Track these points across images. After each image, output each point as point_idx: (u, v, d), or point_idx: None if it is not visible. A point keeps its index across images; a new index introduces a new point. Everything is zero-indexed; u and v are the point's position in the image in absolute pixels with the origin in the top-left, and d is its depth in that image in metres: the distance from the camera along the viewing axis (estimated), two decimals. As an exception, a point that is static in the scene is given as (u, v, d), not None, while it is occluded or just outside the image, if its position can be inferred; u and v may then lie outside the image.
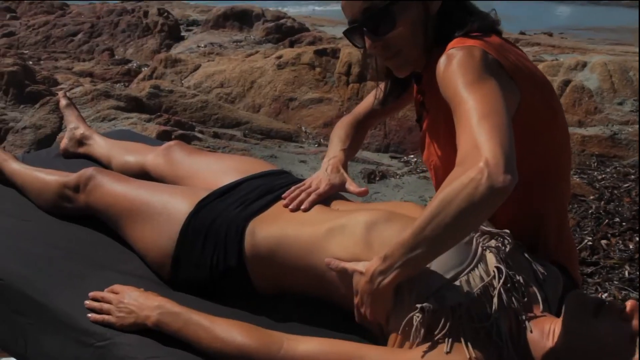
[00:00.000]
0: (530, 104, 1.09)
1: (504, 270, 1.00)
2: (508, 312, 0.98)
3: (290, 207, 1.24)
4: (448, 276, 1.00)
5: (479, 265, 1.02)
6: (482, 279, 1.00)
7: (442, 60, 1.06)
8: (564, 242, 1.24)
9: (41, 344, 1.22)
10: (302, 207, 1.23)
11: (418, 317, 0.96)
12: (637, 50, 4.80)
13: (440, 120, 1.18)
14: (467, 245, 1.04)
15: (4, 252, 1.38)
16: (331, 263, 1.09)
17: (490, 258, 1.03)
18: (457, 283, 0.99)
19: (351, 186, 1.30)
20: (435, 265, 1.01)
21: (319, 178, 1.31)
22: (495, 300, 0.97)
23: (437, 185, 1.26)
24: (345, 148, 1.40)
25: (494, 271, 1.01)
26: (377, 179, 3.37)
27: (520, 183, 0.91)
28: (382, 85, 1.34)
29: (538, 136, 1.12)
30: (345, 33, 1.20)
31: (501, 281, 0.99)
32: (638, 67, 3.93)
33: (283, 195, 1.28)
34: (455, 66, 1.03)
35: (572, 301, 0.96)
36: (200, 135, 3.67)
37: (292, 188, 1.29)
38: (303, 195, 1.26)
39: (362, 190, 1.27)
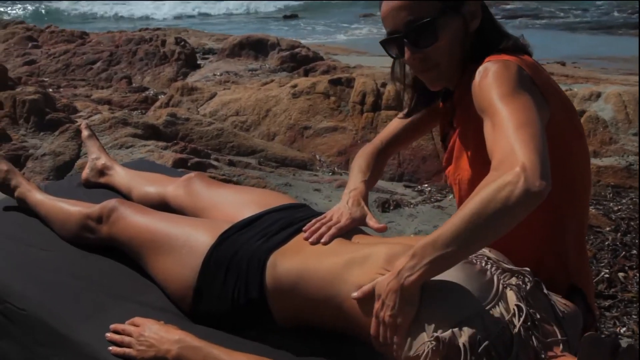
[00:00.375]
0: (558, 122, 1.13)
1: (524, 309, 1.00)
2: (528, 350, 0.98)
3: (310, 240, 1.25)
4: (468, 312, 1.00)
5: (499, 302, 1.02)
6: (502, 316, 1.00)
7: (479, 71, 1.11)
8: (583, 266, 1.25)
9: (63, 375, 1.23)
10: (322, 240, 1.24)
11: (432, 344, 0.96)
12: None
13: (470, 135, 1.21)
14: (488, 282, 1.05)
15: (26, 282, 1.41)
16: (357, 294, 1.08)
17: (511, 296, 1.03)
18: (476, 319, 0.99)
19: (371, 221, 1.31)
20: (456, 300, 1.01)
21: (340, 211, 1.32)
22: (515, 338, 0.97)
23: (460, 200, 1.28)
24: (366, 179, 1.41)
25: (514, 309, 1.01)
26: (391, 208, 3.38)
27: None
28: (407, 99, 1.39)
29: (563, 154, 1.15)
30: (383, 42, 1.23)
31: (521, 319, 0.99)
32: (638, 97, 3.92)
33: (304, 228, 1.29)
34: (491, 78, 1.07)
35: (587, 344, 0.96)
36: (215, 163, 3.70)
37: (313, 221, 1.30)
38: (323, 228, 1.27)
39: (381, 227, 1.28)
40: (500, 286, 1.04)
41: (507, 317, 1.00)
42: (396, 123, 1.50)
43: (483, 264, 1.08)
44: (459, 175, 1.26)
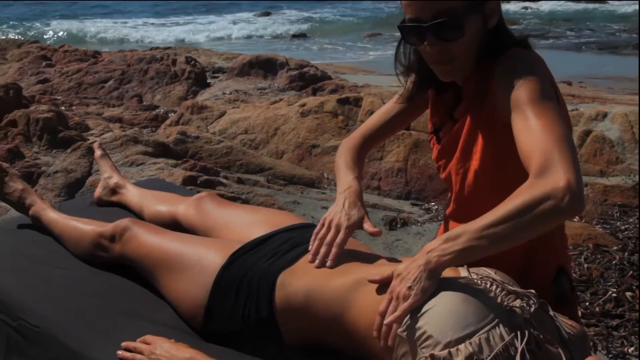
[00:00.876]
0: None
1: (526, 330, 1.01)
2: (530, 372, 0.98)
3: (315, 265, 1.24)
4: (467, 331, 1.00)
5: (501, 324, 1.02)
6: (502, 337, 1.00)
7: (506, 60, 1.15)
8: (565, 246, 1.34)
9: (76, 392, 1.25)
10: (327, 264, 1.23)
11: (428, 359, 0.96)
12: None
13: (481, 128, 1.23)
14: (491, 303, 1.06)
15: (40, 299, 1.44)
16: (376, 277, 1.10)
17: (514, 317, 1.04)
18: (475, 340, 0.98)
19: (366, 224, 1.29)
20: (456, 319, 1.01)
21: (338, 216, 1.29)
22: (517, 359, 0.98)
23: (461, 190, 1.29)
24: (357, 175, 1.39)
25: (516, 330, 1.02)
26: (399, 226, 3.40)
27: None
28: (408, 82, 1.38)
29: None
30: (403, 26, 1.22)
31: (524, 341, 1.00)
32: (638, 117, 3.93)
33: (308, 249, 1.29)
34: (522, 73, 1.11)
35: None
36: (224, 181, 3.74)
37: (312, 238, 1.29)
38: (324, 248, 1.25)
39: (376, 231, 1.27)
40: (503, 307, 1.05)
41: (507, 339, 1.00)
42: (379, 115, 1.48)
43: (488, 285, 1.09)
44: (465, 166, 1.27)
